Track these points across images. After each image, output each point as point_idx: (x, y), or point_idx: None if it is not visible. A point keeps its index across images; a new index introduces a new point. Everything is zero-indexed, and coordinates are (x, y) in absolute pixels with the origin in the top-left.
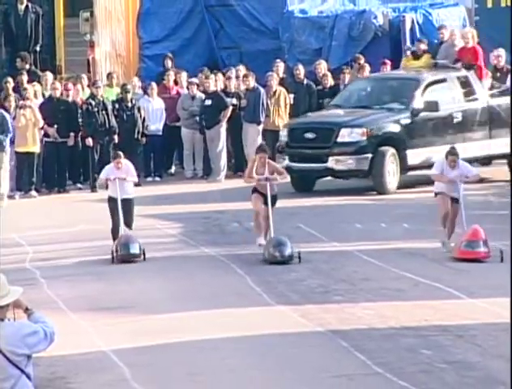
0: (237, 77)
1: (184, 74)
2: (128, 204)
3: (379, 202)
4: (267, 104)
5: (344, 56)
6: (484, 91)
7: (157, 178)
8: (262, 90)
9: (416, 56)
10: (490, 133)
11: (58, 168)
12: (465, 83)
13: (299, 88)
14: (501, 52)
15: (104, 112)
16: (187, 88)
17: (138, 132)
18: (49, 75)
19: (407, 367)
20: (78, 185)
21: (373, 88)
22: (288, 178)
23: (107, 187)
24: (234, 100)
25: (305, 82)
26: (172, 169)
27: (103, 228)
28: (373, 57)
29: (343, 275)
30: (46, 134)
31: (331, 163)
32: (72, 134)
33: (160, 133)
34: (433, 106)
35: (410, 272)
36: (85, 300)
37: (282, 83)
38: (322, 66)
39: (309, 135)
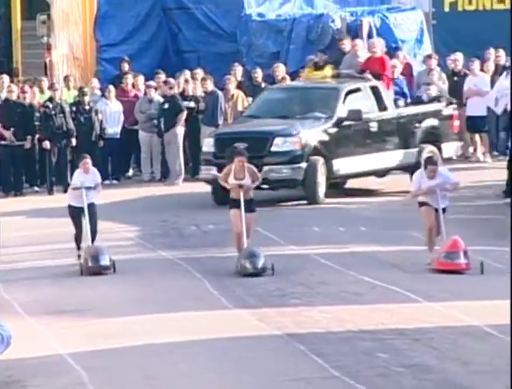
0: (195, 80)
1: (141, 78)
2: (92, 209)
3: (334, 206)
4: (225, 107)
5: (302, 59)
6: (391, 102)
7: (115, 181)
8: (219, 93)
9: (318, 67)
10: (400, 143)
11: (15, 171)
12: (376, 93)
13: (257, 92)
14: (459, 56)
15: (61, 115)
16: (145, 92)
17: (96, 135)
18: (6, 78)
19: (364, 371)
20: (35, 189)
21: (289, 98)
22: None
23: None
24: (192, 104)
25: (263, 85)
26: (130, 172)
27: (60, 231)
28: (331, 59)
29: (301, 279)
30: (2, 137)
31: (265, 173)
32: (29, 137)
33: (118, 136)
34: (356, 115)
35: (367, 276)
36: (42, 303)
37: (240, 86)
38: (281, 70)
39: (240, 145)
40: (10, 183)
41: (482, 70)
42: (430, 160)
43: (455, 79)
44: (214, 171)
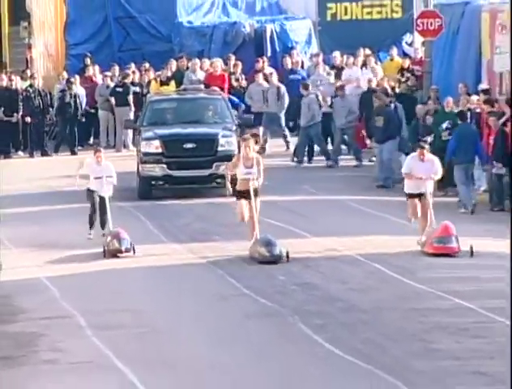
0: (140, 71)
1: (98, 68)
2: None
3: None
4: None
5: (221, 56)
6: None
7: (79, 147)
8: None
9: (163, 82)
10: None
11: (4, 139)
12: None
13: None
14: (337, 54)
15: (39, 97)
16: (103, 80)
17: (80, 113)
18: None
19: (268, 289)
20: (20, 153)
21: (183, 107)
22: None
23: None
24: (137, 89)
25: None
26: (91, 141)
27: (40, 185)
28: (242, 56)
29: (222, 221)
30: None
31: (215, 169)
32: (15, 113)
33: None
34: (248, 121)
35: (270, 218)
36: (26, 239)
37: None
38: (206, 64)
39: (189, 145)
40: (0, 149)
41: (354, 64)
42: (421, 145)
43: (335, 71)
44: (166, 169)
